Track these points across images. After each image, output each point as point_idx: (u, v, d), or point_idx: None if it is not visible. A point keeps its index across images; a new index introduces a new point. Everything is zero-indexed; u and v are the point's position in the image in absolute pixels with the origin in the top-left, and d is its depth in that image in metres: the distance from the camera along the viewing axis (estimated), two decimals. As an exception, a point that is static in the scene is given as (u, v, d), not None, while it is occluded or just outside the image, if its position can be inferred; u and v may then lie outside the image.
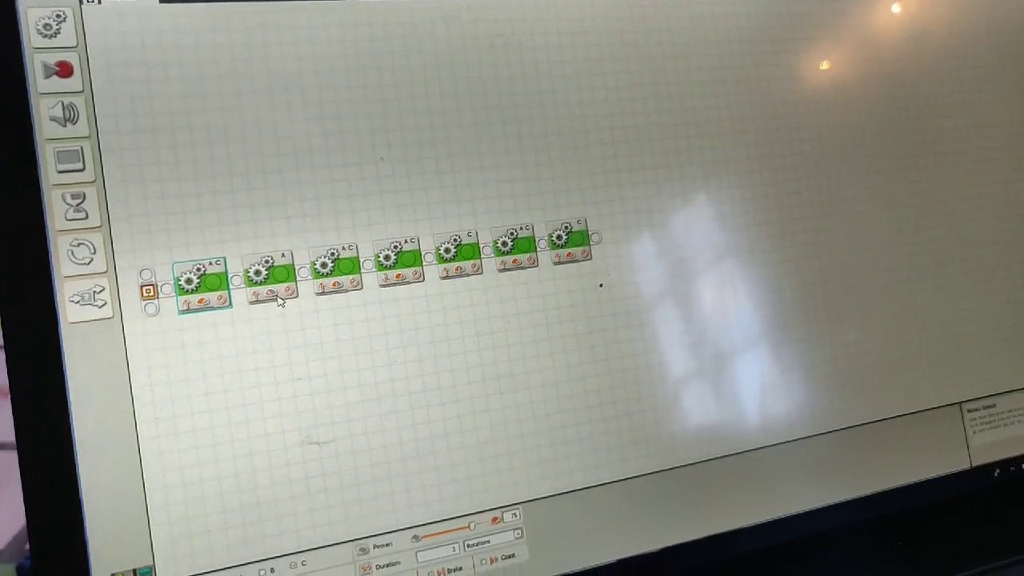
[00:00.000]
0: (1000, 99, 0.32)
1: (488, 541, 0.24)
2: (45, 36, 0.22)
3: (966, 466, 0.30)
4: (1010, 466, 0.30)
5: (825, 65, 0.29)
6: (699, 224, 0.27)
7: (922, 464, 0.29)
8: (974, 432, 0.30)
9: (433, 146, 0.25)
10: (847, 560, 0.28)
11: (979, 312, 0.31)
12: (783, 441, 0.28)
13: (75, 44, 0.22)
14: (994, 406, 0.30)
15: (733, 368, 0.27)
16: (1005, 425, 0.30)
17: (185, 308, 0.22)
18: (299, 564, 0.23)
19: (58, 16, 0.22)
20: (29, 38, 0.22)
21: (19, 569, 0.36)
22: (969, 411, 0.30)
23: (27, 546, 0.44)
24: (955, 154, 0.31)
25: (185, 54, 0.23)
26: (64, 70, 0.22)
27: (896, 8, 0.31)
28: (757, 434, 0.27)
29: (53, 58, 0.22)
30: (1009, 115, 0.32)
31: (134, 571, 0.21)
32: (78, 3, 0.22)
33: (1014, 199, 0.32)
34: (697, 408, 0.27)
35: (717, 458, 0.27)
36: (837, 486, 0.28)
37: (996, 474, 0.30)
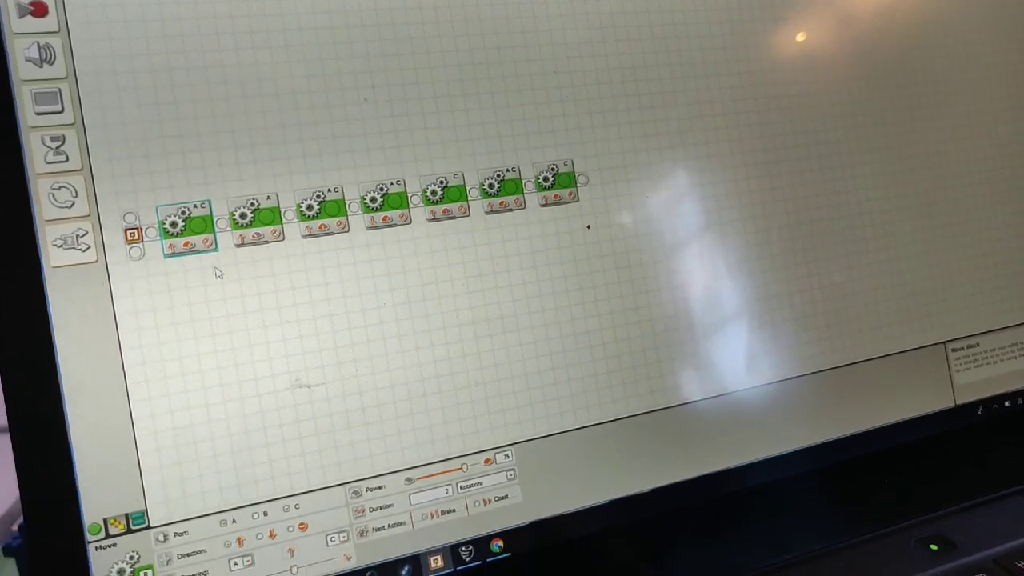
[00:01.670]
0: (981, 49, 0.32)
1: (481, 483, 0.24)
2: (18, -26, 0.21)
3: (950, 404, 0.30)
4: (993, 403, 0.31)
5: (807, 15, 0.29)
6: (683, 166, 0.27)
7: (908, 403, 0.30)
8: (958, 371, 0.30)
9: (417, 87, 0.24)
10: (835, 497, 0.29)
11: (962, 254, 0.31)
12: (771, 382, 0.28)
13: (49, -18, 0.21)
14: (977, 345, 0.31)
15: (720, 310, 0.27)
16: (988, 364, 0.31)
17: (171, 251, 0.22)
18: (292, 507, 0.23)
19: (30, -46, 0.21)
20: (1, -23, 0.21)
21: (6, 548, 0.36)
22: (953, 350, 0.30)
23: (14, 527, 0.44)
24: (937, 102, 0.31)
25: (163, -6, 0.22)
26: (38, 9, 0.21)
27: (879, -50, 0.30)
28: (745, 375, 0.27)
29: (26, -3, 0.21)
30: (989, 64, 0.32)
31: (126, 516, 0.21)
32: (51, -59, 0.22)
33: (995, 143, 0.32)
34: (685, 349, 0.27)
35: (706, 399, 0.27)
36: (824, 426, 0.29)
37: (979, 412, 0.31)
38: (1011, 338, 0.31)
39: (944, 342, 0.30)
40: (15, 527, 0.40)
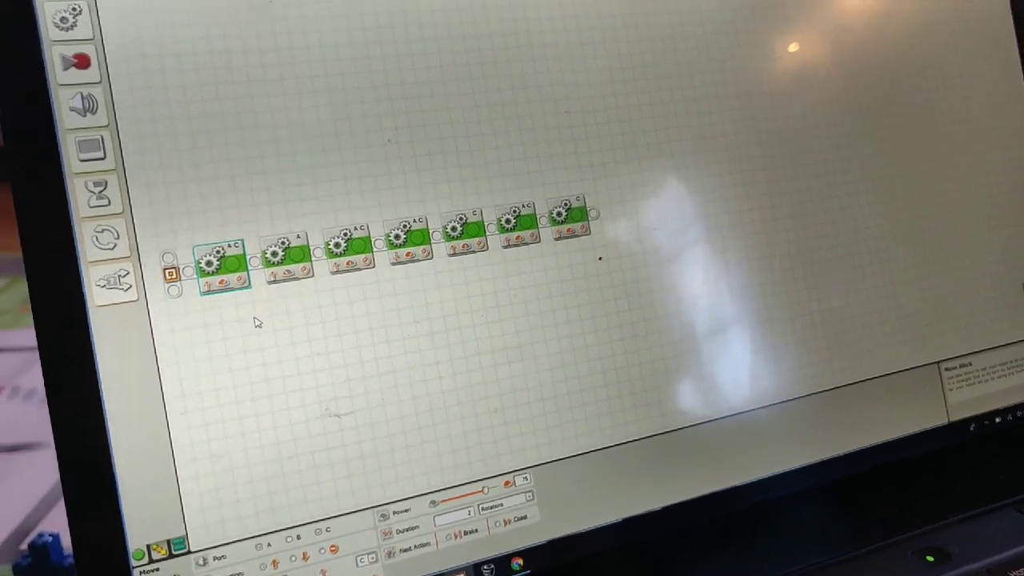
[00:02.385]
0: (970, 74, 0.33)
1: (501, 504, 0.25)
2: (62, 29, 0.22)
3: (944, 421, 0.32)
4: (985, 420, 0.32)
5: (804, 48, 0.31)
6: (689, 199, 0.28)
7: (903, 420, 0.31)
8: (951, 389, 0.32)
9: (437, 128, 0.26)
10: (836, 512, 0.30)
11: (954, 278, 0.32)
12: (774, 403, 0.29)
13: (91, 36, 0.23)
14: (970, 364, 0.32)
15: (724, 335, 0.29)
16: (980, 382, 0.32)
17: (206, 289, 0.23)
18: (323, 531, 0.24)
19: (74, 9, 0.23)
20: (47, 31, 0.22)
21: (15, 568, 0.37)
22: (947, 370, 0.32)
23: (22, 546, 0.45)
24: (929, 133, 0.32)
25: (198, 44, 0.24)
26: (82, 62, 0.23)
27: (871, -12, 0.32)
28: (749, 397, 0.29)
29: (71, 50, 0.22)
30: (978, 95, 0.33)
31: (168, 542, 0.22)
32: (92, -4, 0.23)
33: (985, 169, 0.33)
34: (692, 373, 0.28)
35: (712, 420, 0.28)
36: (825, 444, 0.30)
37: (972, 428, 0.32)
38: (1002, 357, 0.33)
39: (938, 362, 0.32)
40: (24, 546, 0.41)
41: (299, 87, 0.24)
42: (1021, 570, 0.28)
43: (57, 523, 0.49)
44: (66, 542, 0.41)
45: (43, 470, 0.54)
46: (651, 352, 0.27)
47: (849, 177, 0.31)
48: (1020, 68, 0.35)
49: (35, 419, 0.63)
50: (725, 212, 0.29)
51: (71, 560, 0.40)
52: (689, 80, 0.29)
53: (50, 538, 0.40)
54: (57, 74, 0.22)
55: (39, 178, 0.22)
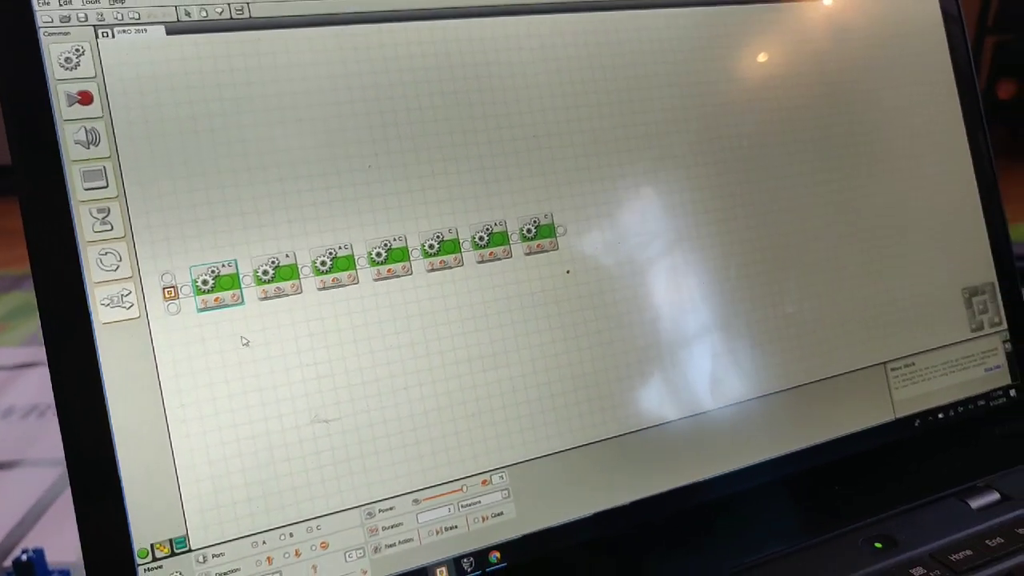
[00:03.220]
0: (911, 98, 0.36)
1: (479, 501, 0.27)
2: (66, 68, 0.24)
3: (891, 418, 0.34)
4: (928, 416, 0.35)
5: (757, 71, 0.33)
6: (652, 213, 0.31)
7: (853, 418, 0.33)
8: (896, 388, 0.34)
9: (415, 154, 0.28)
10: (792, 504, 0.32)
11: (899, 284, 0.35)
12: (733, 403, 0.31)
13: (93, 75, 0.25)
14: (914, 364, 0.35)
15: (685, 341, 0.31)
16: (923, 380, 0.35)
17: (203, 306, 0.25)
18: (314, 528, 0.26)
19: (77, 50, 0.24)
20: (52, 71, 0.24)
21: None
22: (892, 369, 0.34)
23: (5, 563, 0.46)
24: (874, 149, 0.35)
25: (191, 79, 0.26)
26: (85, 98, 0.24)
27: (819, 14, 0.34)
28: (710, 398, 0.31)
29: (75, 88, 0.24)
30: (919, 112, 0.36)
31: (170, 541, 0.24)
32: (94, 38, 0.25)
33: (926, 187, 0.36)
34: (655, 377, 0.30)
35: (675, 420, 0.30)
36: (781, 440, 0.32)
37: (916, 424, 0.34)
38: (943, 357, 0.35)
39: (884, 362, 0.34)
40: (8, 563, 0.42)
41: (285, 117, 0.26)
42: (960, 554, 0.30)
43: (40, 539, 0.50)
44: (51, 557, 0.43)
45: (24, 488, 0.56)
46: (616, 359, 0.30)
47: (801, 192, 0.33)
48: (957, 97, 0.37)
49: (14, 437, 0.64)
50: (684, 226, 0.31)
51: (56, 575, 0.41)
52: (650, 104, 0.31)
53: (34, 554, 0.41)
54: (62, 110, 0.24)
55: (47, 206, 0.24)
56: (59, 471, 0.58)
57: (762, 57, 0.33)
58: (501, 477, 0.28)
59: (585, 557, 0.29)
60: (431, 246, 0.28)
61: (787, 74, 0.34)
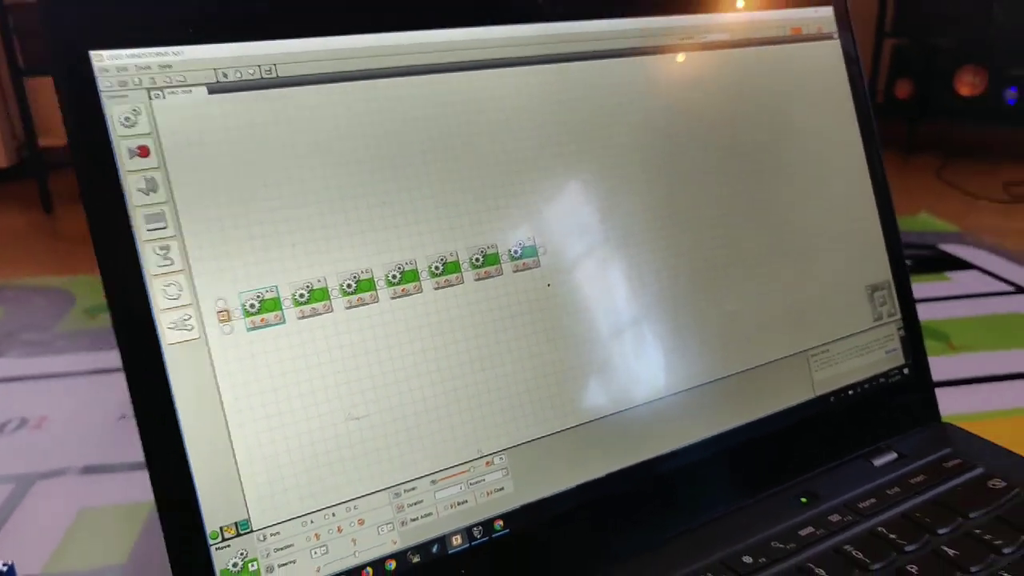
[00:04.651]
0: (821, 121, 0.43)
1: (484, 479, 0.33)
2: (126, 127, 0.29)
3: (812, 395, 0.41)
4: (842, 392, 0.42)
5: (690, 106, 0.39)
6: (611, 234, 0.37)
7: (782, 396, 0.40)
8: (816, 370, 0.41)
9: (420, 190, 0.33)
10: (733, 471, 0.39)
11: (814, 283, 0.42)
12: (682, 390, 0.38)
13: (150, 131, 0.29)
14: (828, 351, 0.42)
15: (643, 339, 0.37)
16: (837, 363, 0.42)
17: (252, 326, 0.30)
18: (352, 508, 0.31)
19: (135, 111, 0.29)
20: (115, 129, 0.28)
21: None
22: (812, 356, 0.41)
23: None
24: (787, 169, 0.42)
25: (231, 131, 0.30)
26: (143, 152, 0.29)
27: (737, 57, 0.41)
28: (664, 386, 0.37)
29: (135, 143, 0.29)
30: (828, 135, 0.43)
31: (235, 524, 0.29)
32: (148, 100, 0.29)
33: (831, 199, 0.43)
34: (618, 372, 0.36)
35: (635, 406, 0.36)
36: (722, 419, 0.39)
37: (832, 400, 0.42)
38: (851, 343, 0.42)
39: (805, 350, 0.41)
40: None
41: (311, 161, 0.31)
42: (867, 501, 0.38)
43: (8, 554, 0.52)
44: (20, 571, 0.45)
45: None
46: (587, 356, 0.35)
47: (731, 208, 0.40)
48: (856, 124, 0.44)
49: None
50: (636, 243, 0.37)
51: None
52: (608, 140, 0.37)
53: (5, 568, 0.42)
54: (125, 163, 0.28)
55: (118, 246, 0.28)
56: (11, 487, 0.59)
57: (692, 97, 0.40)
58: (501, 459, 0.33)
59: (571, 521, 0.35)
60: (436, 268, 0.33)
61: (715, 115, 0.40)
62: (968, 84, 2.91)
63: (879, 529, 0.36)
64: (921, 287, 1.78)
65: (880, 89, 3.06)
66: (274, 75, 0.31)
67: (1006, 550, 0.34)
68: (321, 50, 0.32)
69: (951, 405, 1.22)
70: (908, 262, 1.63)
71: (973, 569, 0.33)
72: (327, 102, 0.32)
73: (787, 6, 0.43)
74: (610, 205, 0.37)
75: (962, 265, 1.92)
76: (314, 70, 0.32)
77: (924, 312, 1.66)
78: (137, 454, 1.10)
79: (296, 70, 0.31)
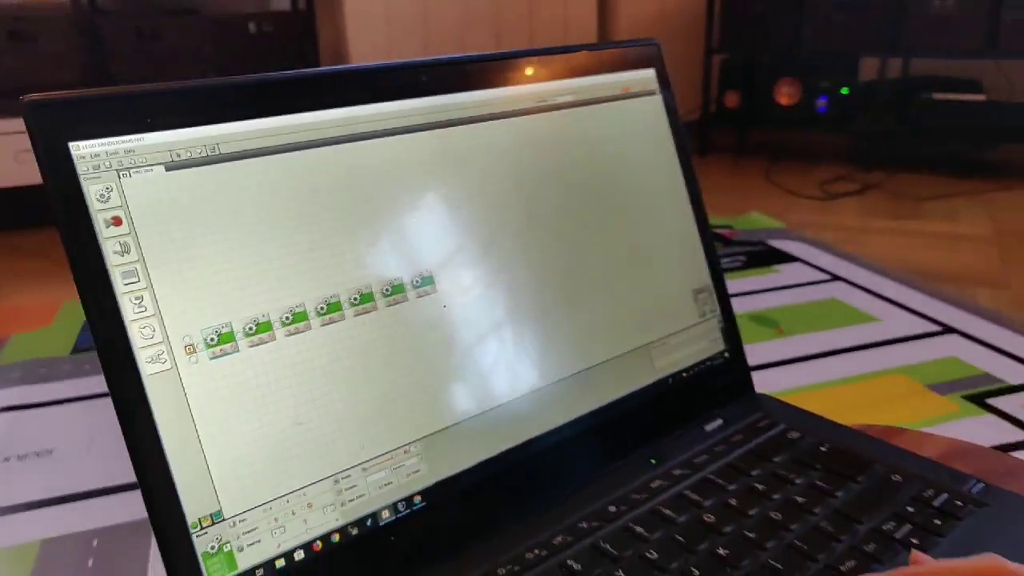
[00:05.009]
0: (645, 160, 0.54)
1: (404, 464, 0.41)
2: (102, 202, 0.35)
3: (654, 379, 0.52)
4: (678, 375, 0.53)
5: (549, 159, 0.49)
6: (492, 264, 0.46)
7: (631, 381, 0.51)
8: (656, 358, 0.52)
9: (340, 237, 0.41)
10: (596, 444, 0.49)
11: (653, 290, 0.53)
12: (551, 382, 0.47)
13: (121, 204, 0.36)
14: (666, 343, 0.53)
15: (518, 343, 0.46)
16: (672, 352, 0.53)
17: (213, 356, 0.37)
18: (302, 495, 0.38)
19: (108, 188, 0.35)
20: (93, 204, 0.35)
21: None
22: (653, 347, 0.52)
23: None
24: (626, 199, 0.53)
25: (187, 201, 0.37)
26: (116, 221, 0.36)
27: (583, 118, 0.51)
28: (537, 380, 0.47)
29: (109, 215, 0.35)
30: (652, 173, 0.54)
31: (211, 515, 0.36)
32: (118, 179, 0.36)
33: (661, 223, 0.54)
34: (502, 371, 0.45)
35: (515, 398, 0.46)
36: (584, 403, 0.49)
37: (670, 381, 0.53)
38: (684, 335, 0.54)
39: (648, 344, 0.52)
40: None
41: (250, 220, 0.39)
42: (701, 457, 0.49)
43: None
44: None
45: None
46: (479, 360, 0.45)
47: (583, 236, 0.50)
48: (676, 157, 0.56)
49: None
50: (510, 269, 0.47)
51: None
52: (484, 188, 0.46)
53: None
54: (102, 231, 0.35)
55: (100, 299, 0.35)
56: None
57: (548, 147, 0.50)
58: (416, 447, 0.42)
59: (473, 493, 0.44)
60: (354, 299, 0.41)
61: (568, 157, 0.50)
62: (786, 94, 3.24)
63: (710, 476, 0.47)
64: (754, 280, 2.01)
65: (712, 100, 3.36)
66: (217, 152, 0.38)
67: (798, 481, 0.46)
68: (253, 130, 0.39)
69: (779, 382, 1.41)
70: (743, 258, 1.84)
71: (775, 497, 0.45)
72: (260, 171, 0.39)
73: (617, 71, 0.54)
74: (489, 239, 0.46)
75: (788, 258, 2.16)
76: (248, 146, 0.39)
77: (757, 302, 1.87)
78: (21, 497, 1.10)
79: (234, 147, 0.39)
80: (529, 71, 0.50)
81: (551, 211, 0.49)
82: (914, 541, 0.42)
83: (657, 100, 0.56)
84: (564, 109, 0.51)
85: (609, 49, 0.54)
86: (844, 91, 3.18)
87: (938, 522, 0.44)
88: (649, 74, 0.56)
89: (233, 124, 0.39)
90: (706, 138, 3.41)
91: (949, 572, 0.32)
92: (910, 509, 0.45)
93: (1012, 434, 1.32)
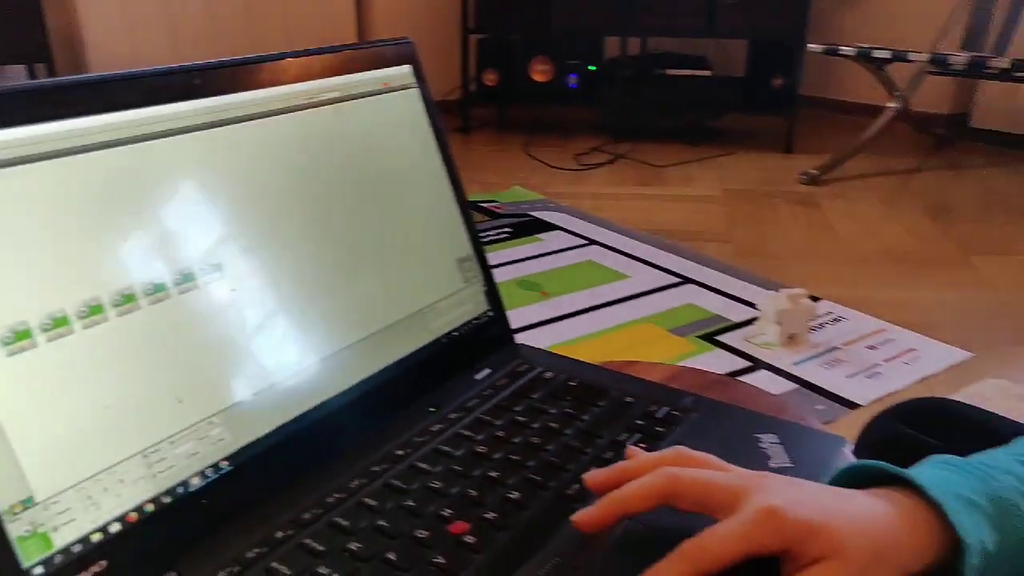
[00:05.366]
0: (410, 149, 0.61)
1: (208, 435, 0.46)
2: None
3: (431, 339, 0.59)
4: (450, 333, 0.61)
5: (318, 146, 0.55)
6: (272, 251, 0.51)
7: (408, 343, 0.58)
8: (430, 321, 0.60)
9: (126, 237, 0.44)
10: (383, 401, 0.56)
11: (423, 262, 0.60)
12: (339, 349, 0.53)
13: None
14: (436, 307, 0.60)
15: (304, 317, 0.52)
16: (444, 314, 0.61)
17: (9, 353, 0.39)
18: (113, 472, 0.41)
19: None
20: None
21: None
22: (426, 312, 0.59)
23: None
24: (393, 184, 0.59)
25: None
26: None
27: (347, 115, 0.57)
28: (324, 349, 0.53)
29: None
30: (417, 158, 0.61)
31: (22, 502, 0.38)
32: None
33: (431, 205, 0.61)
34: (290, 342, 0.51)
35: (307, 367, 0.51)
36: (369, 366, 0.55)
37: (444, 340, 0.61)
38: (453, 299, 0.62)
39: (421, 309, 0.59)
40: None
41: (35, 231, 0.41)
42: (473, 401, 0.57)
43: None
44: None
45: None
46: (269, 338, 0.50)
47: (357, 220, 0.56)
48: (436, 144, 0.63)
49: None
50: (291, 255, 0.52)
51: None
52: (264, 185, 0.51)
53: None
54: None
55: None
56: None
57: (317, 141, 0.55)
58: (219, 418, 0.46)
59: (276, 454, 0.49)
60: (149, 289, 0.44)
61: (335, 150, 0.56)
62: (540, 72, 3.46)
63: (480, 416, 0.56)
64: (519, 249, 2.17)
65: (472, 79, 3.50)
66: (-7, 157, 0.40)
67: (552, 411, 0.56)
68: (11, 139, 0.41)
69: (545, 339, 1.56)
70: (509, 230, 1.99)
71: (534, 426, 0.54)
72: (23, 179, 0.41)
73: (376, 68, 0.60)
74: (268, 229, 0.51)
75: (549, 227, 2.35)
76: (8, 155, 0.41)
77: (522, 269, 2.03)
78: None
79: (7, 155, 0.41)
80: (295, 71, 0.55)
81: (324, 199, 0.55)
82: (643, 446, 0.53)
83: (415, 93, 0.63)
84: (329, 105, 0.56)
85: (368, 48, 0.60)
86: (592, 68, 3.45)
87: (660, 429, 0.55)
88: (406, 70, 0.63)
89: (5, 131, 0.41)
90: (468, 116, 3.55)
91: (646, 461, 0.43)
92: (639, 422, 0.56)
93: (736, 363, 1.57)
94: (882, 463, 0.43)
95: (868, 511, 0.40)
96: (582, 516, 0.43)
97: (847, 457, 0.54)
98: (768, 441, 0.55)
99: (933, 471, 0.43)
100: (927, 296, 1.98)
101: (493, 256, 2.04)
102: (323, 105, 0.56)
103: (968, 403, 0.69)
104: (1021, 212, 2.62)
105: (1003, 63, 2.50)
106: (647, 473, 0.42)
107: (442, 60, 3.52)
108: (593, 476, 0.45)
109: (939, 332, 1.73)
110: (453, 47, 3.34)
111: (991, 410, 0.66)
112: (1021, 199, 2.77)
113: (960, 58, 2.58)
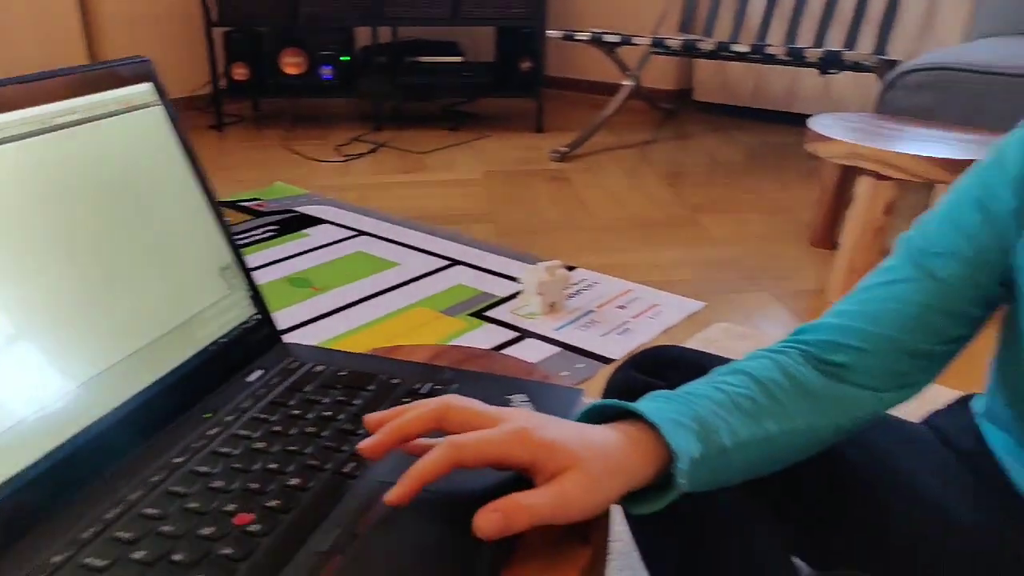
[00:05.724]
0: (162, 164, 0.62)
1: None
2: None
3: (200, 347, 0.62)
4: (218, 340, 0.63)
5: (69, 168, 0.55)
6: (16, 275, 0.51)
7: (177, 355, 0.60)
8: (198, 330, 0.62)
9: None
10: (155, 413, 0.57)
11: (187, 273, 0.62)
12: (106, 368, 0.54)
13: None
14: (203, 315, 0.62)
15: (62, 343, 0.52)
16: (211, 322, 0.63)
17: None
18: None
19: None
20: None
21: None
22: (193, 321, 0.61)
23: None
24: (150, 200, 0.60)
25: None
26: None
27: (102, 135, 0.58)
28: (86, 371, 0.53)
29: None
30: (169, 173, 0.63)
31: None
32: None
33: (183, 216, 0.63)
34: (44, 368, 0.51)
35: (67, 392, 0.52)
36: (139, 381, 0.57)
37: (213, 347, 0.63)
38: (219, 306, 0.64)
39: (188, 319, 0.61)
40: None
41: None
42: (247, 403, 0.60)
43: None
44: None
45: None
46: (23, 367, 0.50)
47: (115, 237, 0.57)
48: (186, 157, 0.65)
49: None
50: (42, 280, 0.52)
51: None
52: (22, 207, 0.51)
53: None
54: None
55: None
56: None
57: (67, 163, 0.55)
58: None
59: (46, 480, 0.49)
60: None
61: (89, 170, 0.56)
62: (292, 64, 3.40)
63: (257, 415, 0.59)
64: (286, 247, 2.16)
65: (221, 74, 3.36)
66: None
67: (324, 400, 0.61)
68: None
69: (319, 335, 1.59)
70: (275, 228, 1.98)
71: (308, 416, 0.59)
72: None
73: (115, 87, 0.61)
74: (13, 261, 0.51)
75: (316, 221, 2.35)
76: None
77: (291, 267, 2.03)
78: None
79: None
80: (28, 96, 0.54)
81: (69, 224, 0.55)
82: (409, 421, 0.59)
83: (158, 110, 0.64)
84: (66, 129, 0.56)
85: (102, 69, 0.60)
86: (344, 59, 3.44)
87: (425, 404, 0.62)
88: (146, 87, 0.64)
89: None
90: (221, 112, 3.41)
91: (419, 403, 0.51)
92: (406, 399, 0.62)
93: (505, 334, 1.69)
94: (613, 400, 0.54)
95: (600, 436, 0.51)
96: (365, 444, 0.50)
97: (584, 405, 0.65)
98: (519, 400, 0.64)
99: (651, 403, 0.55)
100: (666, 255, 2.22)
101: (260, 255, 2.03)
102: (60, 129, 0.56)
103: (695, 348, 0.82)
104: (739, 174, 3.00)
105: (710, 44, 2.84)
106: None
107: (187, 56, 3.34)
108: (368, 417, 0.52)
109: (677, 287, 1.97)
110: (196, 42, 3.18)
111: (717, 351, 0.80)
112: (738, 163, 3.16)
113: (676, 41, 2.89)
